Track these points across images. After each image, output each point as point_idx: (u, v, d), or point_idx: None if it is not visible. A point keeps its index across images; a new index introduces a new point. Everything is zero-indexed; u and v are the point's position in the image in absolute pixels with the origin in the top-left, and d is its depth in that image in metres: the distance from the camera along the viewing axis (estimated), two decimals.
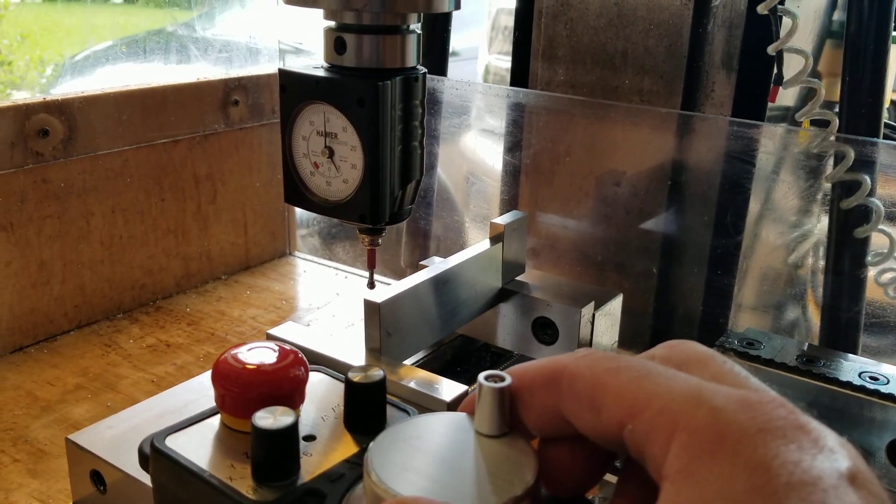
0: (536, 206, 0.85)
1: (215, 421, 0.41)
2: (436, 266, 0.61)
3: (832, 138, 0.64)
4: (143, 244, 0.81)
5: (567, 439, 0.28)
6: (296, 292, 0.88)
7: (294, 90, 0.48)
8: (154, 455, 0.38)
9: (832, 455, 0.21)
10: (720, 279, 0.77)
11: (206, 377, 0.57)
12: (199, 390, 0.55)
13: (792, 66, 0.65)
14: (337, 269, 0.93)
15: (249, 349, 0.41)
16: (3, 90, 0.89)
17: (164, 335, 0.77)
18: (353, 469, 0.37)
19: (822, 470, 0.20)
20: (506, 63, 0.96)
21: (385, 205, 0.48)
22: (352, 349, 0.56)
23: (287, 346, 0.41)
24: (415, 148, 0.50)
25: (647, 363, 0.25)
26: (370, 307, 0.55)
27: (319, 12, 0.48)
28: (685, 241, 0.78)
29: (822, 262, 0.73)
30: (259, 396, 0.39)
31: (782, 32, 0.61)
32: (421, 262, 0.67)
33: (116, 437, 0.48)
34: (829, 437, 0.22)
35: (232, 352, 0.40)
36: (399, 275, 0.93)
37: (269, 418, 0.36)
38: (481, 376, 0.29)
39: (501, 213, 0.90)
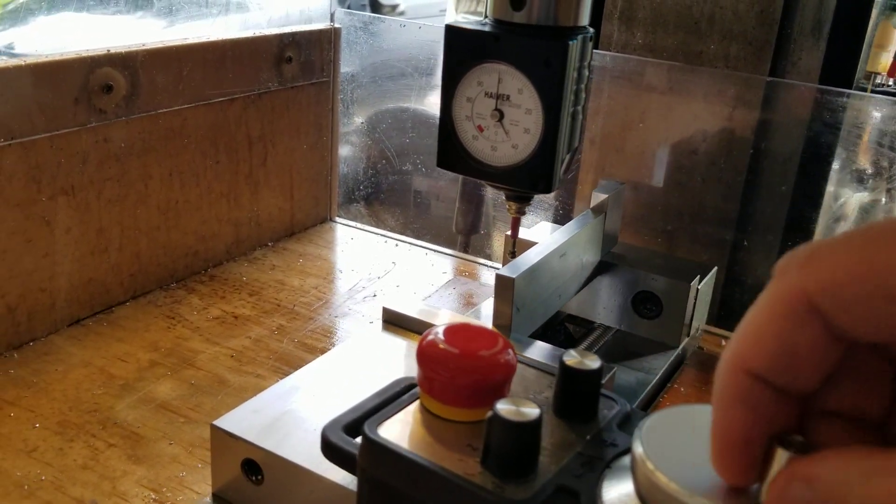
0: (603, 173, 0.83)
1: (414, 406, 0.37)
2: (555, 239, 0.59)
3: None
4: (197, 209, 0.75)
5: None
6: (349, 261, 0.84)
7: (463, 48, 0.44)
8: (370, 448, 0.34)
9: None
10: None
11: (327, 358, 0.53)
12: (325, 371, 0.51)
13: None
14: (385, 236, 0.89)
15: (452, 329, 0.37)
16: None
17: (227, 306, 0.72)
18: (590, 464, 0.34)
19: None
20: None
21: (558, 172, 0.45)
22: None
23: (488, 328, 0.38)
24: (578, 112, 0.47)
25: None
26: (503, 282, 0.52)
27: None
28: (762, 211, 0.77)
29: None
30: (473, 383, 0.36)
31: None
32: (519, 237, 0.64)
33: (269, 423, 0.44)
34: None
35: (437, 333, 0.37)
36: (451, 243, 0.89)
37: (513, 409, 0.33)
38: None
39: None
